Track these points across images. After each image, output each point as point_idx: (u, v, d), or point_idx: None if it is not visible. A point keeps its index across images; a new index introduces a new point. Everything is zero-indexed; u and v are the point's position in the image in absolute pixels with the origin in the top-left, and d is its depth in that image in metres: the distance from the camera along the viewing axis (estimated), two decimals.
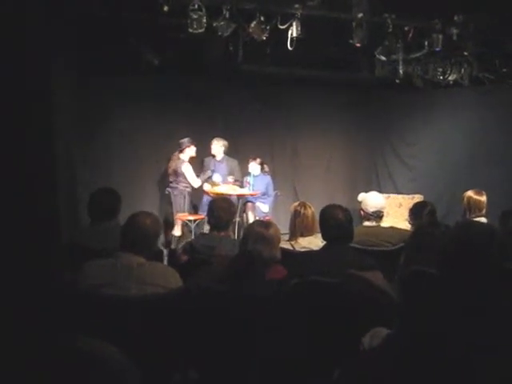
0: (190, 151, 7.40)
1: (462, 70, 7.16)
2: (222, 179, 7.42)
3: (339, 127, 8.98)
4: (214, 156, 7.71)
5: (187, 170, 7.29)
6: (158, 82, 7.66)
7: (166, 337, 2.64)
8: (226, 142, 7.67)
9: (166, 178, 7.85)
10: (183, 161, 7.33)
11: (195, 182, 7.35)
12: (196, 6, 5.42)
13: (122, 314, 2.61)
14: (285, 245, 3.88)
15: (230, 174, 7.57)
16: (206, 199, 7.41)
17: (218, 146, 7.64)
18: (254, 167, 7.69)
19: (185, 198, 7.35)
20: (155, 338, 2.59)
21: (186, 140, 7.39)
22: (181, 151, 7.39)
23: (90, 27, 5.77)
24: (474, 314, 1.80)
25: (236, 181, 7.56)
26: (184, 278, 2.97)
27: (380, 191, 8.47)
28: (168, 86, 7.75)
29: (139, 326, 2.60)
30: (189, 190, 7.41)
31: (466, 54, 6.80)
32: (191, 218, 7.50)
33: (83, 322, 2.62)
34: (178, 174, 7.32)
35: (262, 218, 6.69)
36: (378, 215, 4.25)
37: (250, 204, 7.63)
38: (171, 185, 7.42)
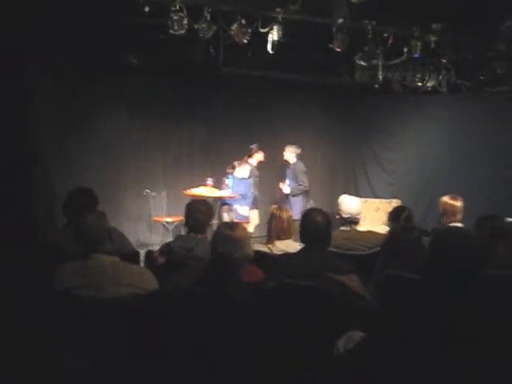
0: (259, 156, 7.80)
1: (440, 77, 7.26)
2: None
3: (319, 131, 9.04)
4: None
5: (244, 172, 7.68)
6: (136, 83, 7.61)
7: (142, 339, 2.62)
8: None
9: (143, 178, 7.84)
10: (247, 164, 7.70)
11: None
12: (177, 7, 5.41)
13: (98, 315, 2.59)
14: (262, 248, 3.89)
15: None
16: None
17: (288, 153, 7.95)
18: (242, 170, 7.69)
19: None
20: (131, 340, 2.57)
21: (254, 146, 7.77)
22: (249, 156, 7.76)
23: (68, 27, 5.72)
24: (451, 318, 1.81)
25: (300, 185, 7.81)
26: (160, 279, 2.95)
27: (358, 195, 8.56)
28: (147, 87, 7.72)
29: (116, 327, 2.58)
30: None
31: (443, 61, 6.90)
32: (169, 219, 7.48)
33: (60, 324, 2.60)
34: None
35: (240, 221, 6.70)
36: (352, 221, 4.28)
37: (225, 206, 7.62)
38: None
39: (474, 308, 1.87)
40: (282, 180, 8.00)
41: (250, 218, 7.67)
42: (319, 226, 3.22)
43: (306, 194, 7.86)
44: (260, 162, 7.86)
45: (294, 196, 7.79)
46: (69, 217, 3.83)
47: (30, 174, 5.96)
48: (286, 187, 7.84)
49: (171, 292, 2.72)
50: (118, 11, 5.66)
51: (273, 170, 8.49)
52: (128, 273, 2.80)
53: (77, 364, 2.54)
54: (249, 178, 7.68)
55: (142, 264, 3.89)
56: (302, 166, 7.88)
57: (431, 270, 2.02)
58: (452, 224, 4.88)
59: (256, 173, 7.78)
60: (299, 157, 7.93)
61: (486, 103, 7.82)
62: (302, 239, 3.35)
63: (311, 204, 7.67)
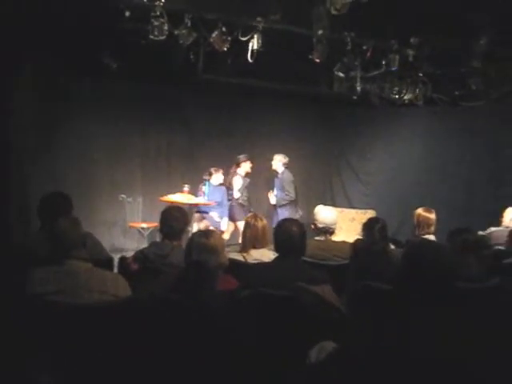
0: (246, 166, 7.72)
1: (417, 91, 7.36)
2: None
3: (296, 140, 9.06)
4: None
5: (234, 183, 7.62)
6: (115, 87, 7.57)
7: (115, 346, 2.60)
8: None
9: (119, 183, 7.78)
10: (237, 174, 7.65)
11: (236, 194, 7.63)
12: (158, 13, 5.40)
13: (71, 321, 2.57)
14: (237, 256, 3.89)
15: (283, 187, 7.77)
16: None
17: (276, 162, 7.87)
18: (218, 177, 7.65)
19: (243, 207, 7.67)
20: (104, 347, 2.55)
21: (242, 156, 7.69)
22: (237, 166, 7.68)
23: (46, 29, 5.67)
24: (423, 329, 1.84)
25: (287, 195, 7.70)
26: (134, 286, 2.93)
27: (334, 205, 8.63)
28: (126, 92, 7.69)
29: (88, 333, 2.56)
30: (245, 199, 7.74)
31: (420, 74, 7.00)
32: (144, 225, 7.44)
33: (32, 330, 2.57)
34: (232, 186, 7.65)
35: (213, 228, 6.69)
36: (327, 231, 4.30)
37: (197, 215, 7.52)
38: (229, 197, 7.65)
39: (447, 320, 1.90)
40: (270, 189, 7.93)
41: (223, 225, 7.63)
42: (293, 236, 3.23)
43: (294, 204, 7.77)
44: (247, 173, 7.78)
45: (280, 206, 7.70)
46: (43, 220, 3.78)
47: (4, 177, 5.89)
48: (272, 197, 7.78)
49: (145, 299, 2.70)
50: (99, 15, 5.62)
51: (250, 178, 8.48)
52: (101, 279, 2.77)
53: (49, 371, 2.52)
54: (241, 187, 7.64)
55: (115, 270, 3.85)
56: (289, 176, 7.80)
57: (404, 282, 2.04)
58: (425, 236, 4.95)
59: (244, 182, 7.73)
60: (287, 166, 7.86)
61: (460, 117, 7.96)
62: (277, 249, 3.36)
63: (300, 214, 7.62)
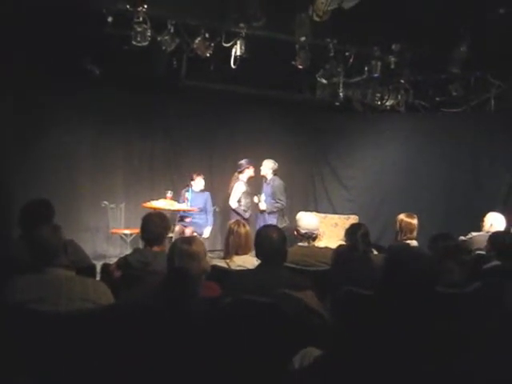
0: (249, 172, 7.55)
1: (399, 97, 7.45)
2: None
3: (279, 146, 9.07)
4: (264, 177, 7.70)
5: (236, 189, 7.46)
6: (98, 93, 7.53)
7: (97, 354, 2.58)
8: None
9: (102, 190, 7.73)
10: (239, 180, 7.49)
11: (232, 201, 7.47)
12: (141, 19, 5.40)
13: (51, 330, 2.54)
14: (220, 263, 3.88)
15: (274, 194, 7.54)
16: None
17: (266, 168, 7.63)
18: (199, 182, 7.62)
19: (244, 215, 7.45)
20: (85, 355, 2.53)
21: (244, 161, 7.53)
22: (240, 172, 7.53)
23: (29, 34, 5.63)
24: (405, 334, 1.85)
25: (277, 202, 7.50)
26: (117, 293, 2.91)
27: (317, 211, 8.66)
28: (108, 98, 7.65)
29: (70, 342, 2.53)
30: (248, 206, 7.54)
31: (402, 81, 7.08)
32: (127, 231, 7.40)
33: (13, 338, 2.54)
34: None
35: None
36: (309, 236, 4.31)
37: (177, 228, 7.37)
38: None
39: (428, 324, 1.91)
40: (257, 194, 7.62)
41: (205, 233, 7.58)
42: (274, 243, 3.24)
43: (281, 211, 7.55)
44: (251, 178, 7.59)
45: (269, 213, 7.45)
46: (24, 228, 3.75)
47: None
48: (262, 203, 7.45)
49: (127, 306, 2.69)
50: (81, 21, 5.60)
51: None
52: (83, 287, 2.75)
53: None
54: (243, 193, 7.47)
55: (98, 277, 3.83)
56: (281, 183, 7.55)
57: (384, 287, 2.06)
58: (408, 241, 4.99)
59: (247, 188, 7.54)
60: (276, 173, 7.60)
61: (441, 123, 8.04)
62: (258, 256, 3.37)
63: (286, 221, 7.46)
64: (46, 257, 2.80)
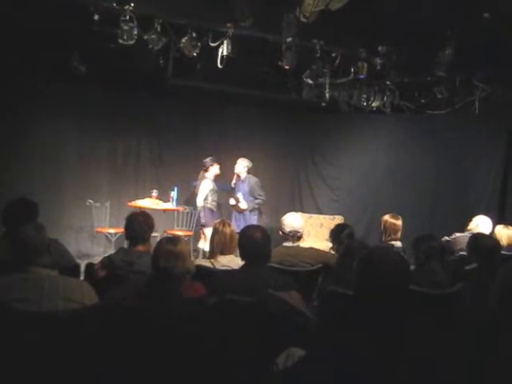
0: (214, 169, 7.49)
1: (385, 98, 7.48)
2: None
3: (265, 146, 9.10)
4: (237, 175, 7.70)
5: (202, 187, 7.37)
6: (83, 91, 7.49)
7: (80, 354, 2.57)
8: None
9: (87, 188, 7.69)
10: (206, 178, 7.41)
11: (199, 200, 7.38)
12: (127, 17, 5.37)
13: (34, 330, 2.52)
14: (205, 263, 3.88)
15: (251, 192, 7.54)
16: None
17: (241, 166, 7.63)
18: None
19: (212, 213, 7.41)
20: (68, 356, 2.52)
21: (208, 159, 7.46)
22: (205, 170, 7.45)
23: (15, 31, 5.59)
24: (385, 335, 1.86)
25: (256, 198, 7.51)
26: (101, 293, 2.90)
27: (303, 211, 8.69)
28: (94, 96, 7.61)
29: (52, 342, 2.52)
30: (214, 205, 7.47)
31: (388, 82, 7.12)
32: (112, 230, 7.36)
33: None
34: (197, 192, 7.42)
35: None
36: (294, 235, 4.32)
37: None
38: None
39: (410, 325, 1.93)
40: (233, 195, 7.63)
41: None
42: (258, 243, 3.26)
43: (258, 209, 7.59)
44: (217, 176, 7.57)
45: (251, 211, 7.46)
46: (7, 227, 3.72)
47: None
48: (243, 203, 7.42)
49: (111, 306, 2.68)
50: (68, 18, 5.56)
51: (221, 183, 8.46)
52: (66, 286, 2.73)
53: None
54: (210, 191, 7.39)
55: (82, 276, 3.81)
56: (256, 180, 7.57)
57: (359, 288, 2.07)
58: (392, 242, 5.03)
59: (213, 186, 7.49)
60: (249, 171, 7.62)
61: (426, 125, 8.11)
62: (242, 256, 3.38)
63: (264, 219, 7.54)
64: (29, 256, 2.78)
